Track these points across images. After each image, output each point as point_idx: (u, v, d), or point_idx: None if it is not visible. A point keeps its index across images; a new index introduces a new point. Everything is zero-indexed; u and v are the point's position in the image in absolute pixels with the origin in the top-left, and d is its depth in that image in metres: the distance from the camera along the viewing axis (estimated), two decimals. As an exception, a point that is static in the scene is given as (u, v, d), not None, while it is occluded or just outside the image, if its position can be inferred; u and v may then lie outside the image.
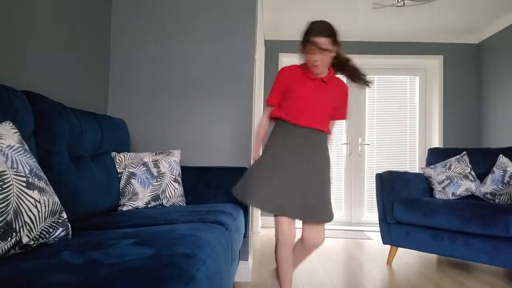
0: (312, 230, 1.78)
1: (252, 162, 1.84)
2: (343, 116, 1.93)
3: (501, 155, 2.94)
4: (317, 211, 1.72)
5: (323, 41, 1.69)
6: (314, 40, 1.69)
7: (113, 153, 2.08)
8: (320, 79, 1.80)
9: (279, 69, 4.68)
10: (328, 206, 1.77)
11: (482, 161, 3.10)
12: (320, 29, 1.70)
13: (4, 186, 0.92)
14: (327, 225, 1.86)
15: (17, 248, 0.94)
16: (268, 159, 1.79)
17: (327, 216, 1.75)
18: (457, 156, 3.13)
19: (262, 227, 4.46)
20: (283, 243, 1.73)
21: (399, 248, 2.92)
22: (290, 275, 1.79)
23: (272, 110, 1.89)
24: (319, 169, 1.78)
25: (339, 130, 4.76)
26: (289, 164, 1.74)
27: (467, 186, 2.97)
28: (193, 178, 2.29)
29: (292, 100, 1.80)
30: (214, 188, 2.27)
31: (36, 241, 1.01)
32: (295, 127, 1.78)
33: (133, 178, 2.03)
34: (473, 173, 3.03)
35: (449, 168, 3.04)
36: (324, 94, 1.80)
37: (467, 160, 3.09)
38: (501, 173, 2.84)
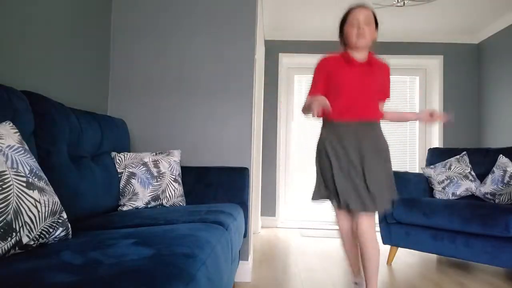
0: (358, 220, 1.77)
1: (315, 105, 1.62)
2: (387, 95, 1.84)
3: (501, 155, 2.94)
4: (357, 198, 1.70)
5: (368, 12, 1.68)
6: (359, 9, 1.69)
7: (113, 153, 2.08)
8: (365, 62, 1.71)
9: (279, 69, 4.69)
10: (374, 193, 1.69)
11: (482, 161, 3.10)
12: (360, 4, 1.72)
13: (4, 186, 0.92)
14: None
15: (17, 248, 0.94)
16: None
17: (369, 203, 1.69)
18: (457, 156, 3.13)
19: (262, 227, 4.46)
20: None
21: (399, 248, 2.92)
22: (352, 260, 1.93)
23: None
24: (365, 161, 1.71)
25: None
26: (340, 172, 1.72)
27: (467, 186, 2.96)
28: (193, 178, 2.29)
29: (335, 92, 1.70)
30: (214, 188, 2.27)
31: (36, 241, 1.00)
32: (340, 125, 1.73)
33: (133, 178, 2.03)
34: (473, 173, 3.03)
35: (449, 168, 3.04)
36: (371, 79, 1.71)
37: (467, 160, 3.09)
38: (501, 173, 2.84)
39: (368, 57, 1.74)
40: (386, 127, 4.74)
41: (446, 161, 3.11)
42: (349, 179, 1.69)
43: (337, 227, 1.92)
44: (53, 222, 1.06)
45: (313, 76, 1.79)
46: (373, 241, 1.73)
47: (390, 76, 1.84)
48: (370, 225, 1.72)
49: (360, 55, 1.72)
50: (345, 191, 1.69)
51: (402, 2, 3.60)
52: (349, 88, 1.68)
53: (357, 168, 1.69)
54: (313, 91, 1.76)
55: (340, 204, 1.73)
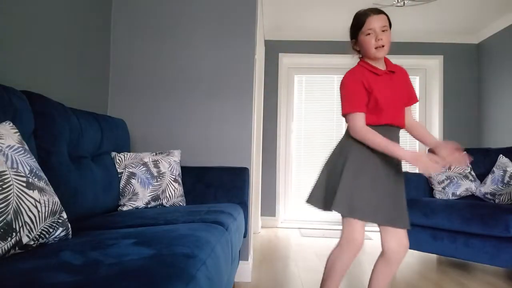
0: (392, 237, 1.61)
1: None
2: (415, 99, 1.70)
3: (501, 155, 2.94)
4: (398, 216, 1.57)
5: (383, 18, 1.53)
6: (373, 16, 1.51)
7: (113, 153, 2.08)
8: (387, 70, 1.61)
9: (279, 69, 4.69)
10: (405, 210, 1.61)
11: (482, 161, 3.10)
12: (372, 9, 1.55)
13: (4, 186, 0.92)
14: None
15: (17, 248, 0.94)
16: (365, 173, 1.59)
17: (406, 220, 1.59)
18: (457, 156, 3.13)
19: (262, 227, 4.46)
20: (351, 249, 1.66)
21: (399, 248, 2.92)
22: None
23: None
24: (401, 173, 1.65)
25: (339, 130, 4.76)
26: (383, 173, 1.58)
27: (467, 186, 2.96)
28: (193, 178, 2.29)
29: (374, 106, 1.57)
30: (214, 188, 2.27)
31: (36, 241, 1.00)
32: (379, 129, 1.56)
33: (133, 178, 2.03)
34: (473, 173, 3.03)
35: (449, 168, 3.04)
36: (398, 86, 1.61)
37: (467, 160, 3.09)
38: (501, 173, 2.84)
39: (387, 64, 1.64)
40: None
41: (446, 161, 3.11)
42: (391, 194, 1.58)
43: (352, 238, 1.63)
44: (53, 222, 1.06)
45: (347, 89, 1.59)
46: None
47: None
48: None
49: (379, 64, 1.62)
50: (388, 207, 1.56)
51: (402, 2, 3.61)
52: (385, 99, 1.55)
53: (391, 182, 1.60)
54: (357, 104, 1.56)
55: (377, 219, 1.56)
